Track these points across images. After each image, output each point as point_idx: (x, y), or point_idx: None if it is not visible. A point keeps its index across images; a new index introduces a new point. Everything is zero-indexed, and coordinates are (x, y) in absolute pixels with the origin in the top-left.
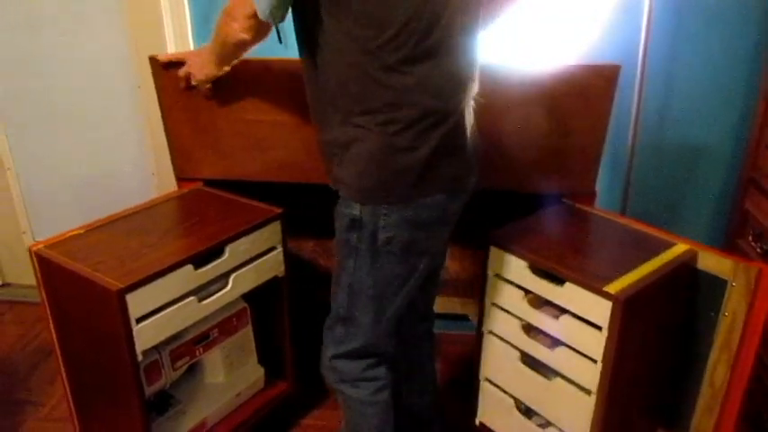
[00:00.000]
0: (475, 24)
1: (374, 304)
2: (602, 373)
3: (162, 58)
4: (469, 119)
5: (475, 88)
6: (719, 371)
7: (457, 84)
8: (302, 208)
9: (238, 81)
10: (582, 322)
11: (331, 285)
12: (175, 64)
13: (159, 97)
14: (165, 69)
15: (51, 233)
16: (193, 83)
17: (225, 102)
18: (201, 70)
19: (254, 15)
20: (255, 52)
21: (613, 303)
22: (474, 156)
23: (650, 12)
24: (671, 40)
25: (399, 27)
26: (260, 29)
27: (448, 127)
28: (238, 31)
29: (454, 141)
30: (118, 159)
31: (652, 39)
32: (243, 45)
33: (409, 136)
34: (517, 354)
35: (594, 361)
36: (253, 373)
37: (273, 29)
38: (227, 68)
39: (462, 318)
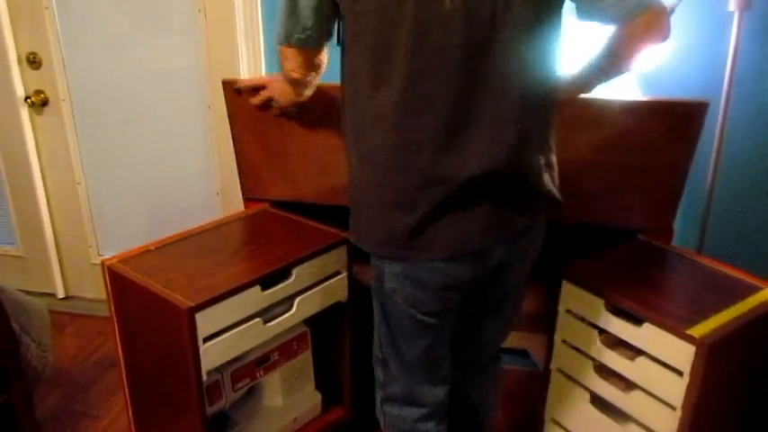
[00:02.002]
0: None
1: (392, 348)
2: (682, 421)
3: (244, 84)
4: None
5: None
6: None
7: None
8: None
9: (310, 106)
10: (660, 366)
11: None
12: (255, 89)
13: (231, 120)
14: (237, 94)
15: (116, 248)
16: (275, 107)
17: (296, 126)
18: (283, 96)
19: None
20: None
21: (697, 348)
22: (518, 202)
23: (738, 37)
24: (760, 69)
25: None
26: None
27: (449, 187)
28: (290, 70)
29: (463, 200)
30: (184, 178)
31: (738, 67)
32: (296, 82)
33: (402, 193)
34: (588, 395)
35: (673, 408)
36: (310, 398)
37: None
38: (308, 93)
39: (519, 352)
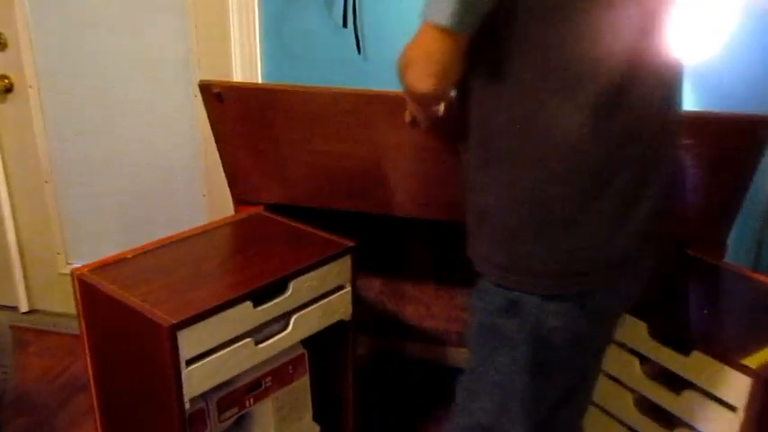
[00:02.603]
0: None
1: (524, 414)
2: None
3: None
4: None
5: None
6: None
7: None
8: (369, 240)
9: (303, 111)
10: (710, 400)
11: (461, 381)
12: (220, 95)
13: (213, 127)
14: (219, 101)
15: (88, 256)
16: (421, 122)
17: (288, 131)
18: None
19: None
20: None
21: (753, 380)
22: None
23: None
24: None
25: None
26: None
27: None
28: (427, 75)
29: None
30: (167, 177)
31: None
32: (423, 98)
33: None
34: None
35: None
36: (307, 431)
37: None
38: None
39: None
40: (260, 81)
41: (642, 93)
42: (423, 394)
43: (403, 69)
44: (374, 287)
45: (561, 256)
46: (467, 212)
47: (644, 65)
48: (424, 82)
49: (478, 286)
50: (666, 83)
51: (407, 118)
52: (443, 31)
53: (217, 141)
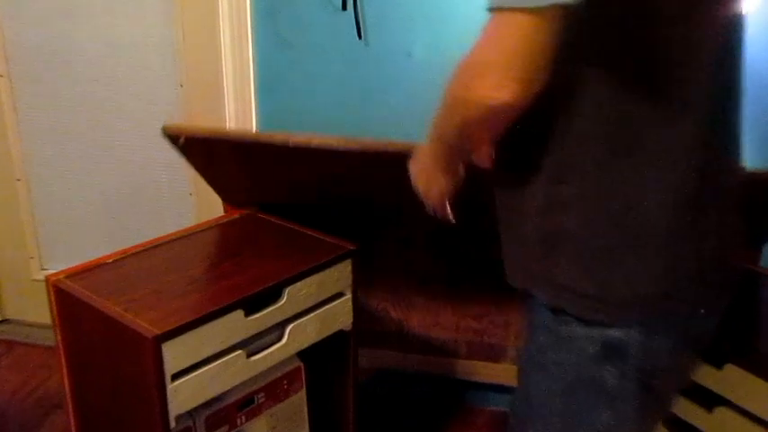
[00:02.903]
0: None
1: None
2: None
3: None
4: None
5: None
6: None
7: None
8: (371, 243)
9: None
10: (745, 417)
11: None
12: (184, 147)
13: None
14: (186, 148)
15: (65, 261)
16: (428, 204)
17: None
18: (430, 185)
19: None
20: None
21: None
22: None
23: None
24: None
25: None
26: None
27: None
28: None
29: None
30: (150, 175)
31: None
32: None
33: None
34: None
35: None
36: None
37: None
38: (462, 172)
39: None
40: (252, 69)
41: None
42: (429, 411)
43: (467, 83)
44: (377, 294)
45: (666, 274)
46: (517, 238)
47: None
48: (504, 90)
49: (551, 332)
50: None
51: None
52: (535, 13)
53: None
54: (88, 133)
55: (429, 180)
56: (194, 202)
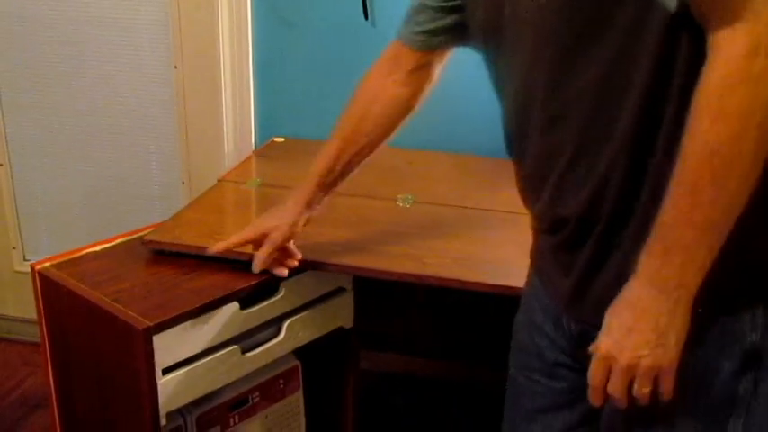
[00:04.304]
0: None
1: None
2: None
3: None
4: None
5: None
6: None
7: None
8: None
9: None
10: None
11: None
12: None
13: None
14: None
15: (49, 251)
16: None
17: None
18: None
19: None
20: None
21: None
22: None
23: None
24: None
25: None
26: None
27: None
28: None
29: None
30: (141, 161)
31: None
32: None
33: None
34: None
35: None
36: None
37: None
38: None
39: None
40: (251, 50)
41: None
42: (432, 416)
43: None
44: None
45: None
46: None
47: None
48: None
49: None
50: None
51: None
52: None
53: None
54: (75, 117)
55: (647, 341)
56: (186, 190)
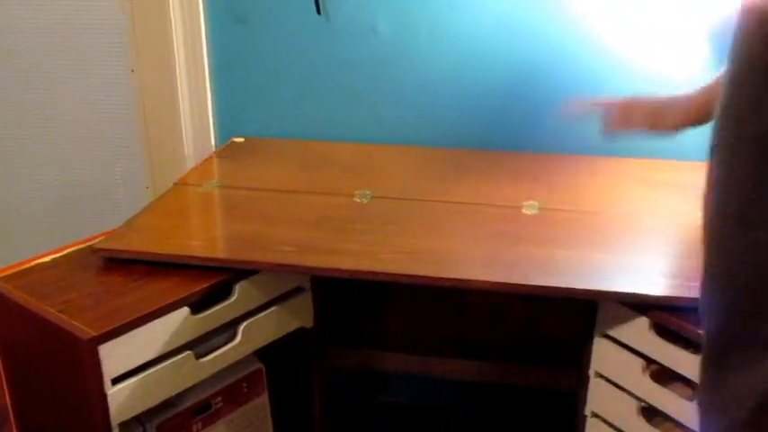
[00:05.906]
0: None
1: None
2: None
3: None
4: None
5: None
6: None
7: None
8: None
9: None
10: None
11: None
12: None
13: None
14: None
15: (4, 262)
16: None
17: None
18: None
19: None
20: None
21: None
22: None
23: None
24: None
25: None
26: None
27: None
28: None
29: None
30: (101, 167)
31: None
32: None
33: None
34: None
35: None
36: None
37: None
38: None
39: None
40: (205, 50)
41: None
42: (407, 415)
43: None
44: (348, 288)
45: None
46: None
47: None
48: None
49: None
50: None
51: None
52: None
53: None
54: (32, 122)
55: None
56: (151, 196)
